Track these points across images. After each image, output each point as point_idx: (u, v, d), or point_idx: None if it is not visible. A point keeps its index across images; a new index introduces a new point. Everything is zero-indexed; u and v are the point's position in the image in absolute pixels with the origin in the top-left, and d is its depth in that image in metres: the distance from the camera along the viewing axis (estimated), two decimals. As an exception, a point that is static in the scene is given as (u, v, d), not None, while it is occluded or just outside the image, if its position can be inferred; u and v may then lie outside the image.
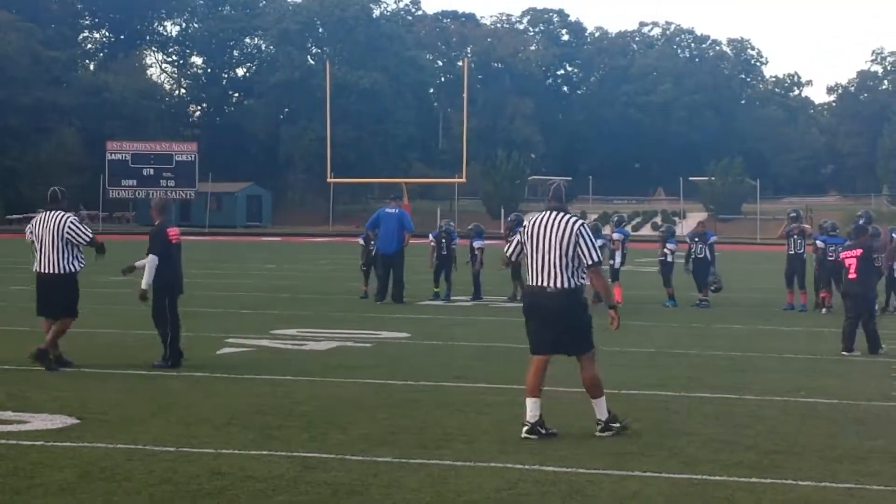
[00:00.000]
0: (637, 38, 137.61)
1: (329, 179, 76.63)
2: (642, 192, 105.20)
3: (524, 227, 10.56)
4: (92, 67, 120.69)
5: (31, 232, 14.46)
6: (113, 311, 21.96)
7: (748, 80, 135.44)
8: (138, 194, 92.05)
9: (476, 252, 26.61)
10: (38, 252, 14.29)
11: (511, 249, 10.79)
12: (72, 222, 14.30)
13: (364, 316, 21.80)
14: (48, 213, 14.47)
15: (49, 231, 14.23)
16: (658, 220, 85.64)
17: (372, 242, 25.93)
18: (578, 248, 10.17)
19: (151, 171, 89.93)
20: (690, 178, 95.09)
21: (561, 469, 8.84)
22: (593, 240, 10.35)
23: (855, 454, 9.61)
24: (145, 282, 14.40)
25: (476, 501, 7.87)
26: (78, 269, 14.45)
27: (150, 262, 14.42)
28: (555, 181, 10.77)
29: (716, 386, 13.29)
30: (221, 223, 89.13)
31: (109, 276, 32.95)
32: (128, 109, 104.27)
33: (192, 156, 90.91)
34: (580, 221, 10.31)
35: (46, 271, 14.20)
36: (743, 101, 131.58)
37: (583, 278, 10.42)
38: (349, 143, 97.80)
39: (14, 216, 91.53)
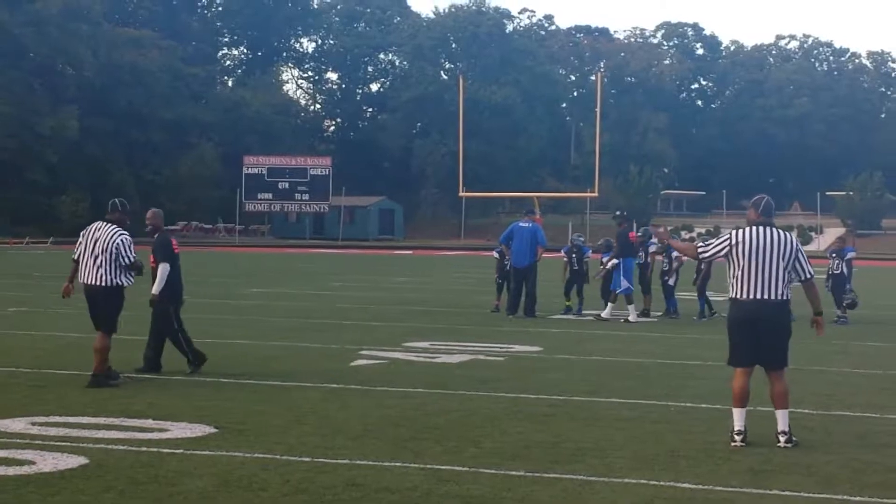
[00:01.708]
0: (773, 52, 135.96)
1: (461, 193, 76.92)
2: (778, 206, 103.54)
3: (736, 241, 10.74)
4: (230, 84, 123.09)
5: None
6: (246, 322, 22.28)
7: (888, 93, 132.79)
8: (274, 208, 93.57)
9: (608, 266, 26.46)
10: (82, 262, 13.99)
11: (710, 253, 11.09)
12: (122, 240, 13.88)
13: (496, 329, 21.82)
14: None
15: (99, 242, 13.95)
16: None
17: (506, 256, 25.97)
18: (797, 263, 10.71)
19: (287, 185, 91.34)
20: (828, 193, 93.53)
21: (697, 486, 8.74)
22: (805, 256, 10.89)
23: None
24: (157, 288, 14.63)
25: (610, 517, 7.83)
26: (124, 283, 13.95)
27: (162, 270, 14.66)
28: (763, 196, 11.09)
29: (855, 404, 13.03)
30: (354, 236, 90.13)
31: (251, 287, 33.55)
32: (264, 124, 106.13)
33: (327, 170, 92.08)
34: (796, 238, 10.87)
35: (90, 283, 13.90)
36: (883, 115, 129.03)
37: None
38: (481, 157, 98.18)
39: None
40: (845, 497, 8.51)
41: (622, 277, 24.67)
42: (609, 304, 24.75)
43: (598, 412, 12.29)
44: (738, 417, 10.52)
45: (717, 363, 16.39)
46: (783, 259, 10.59)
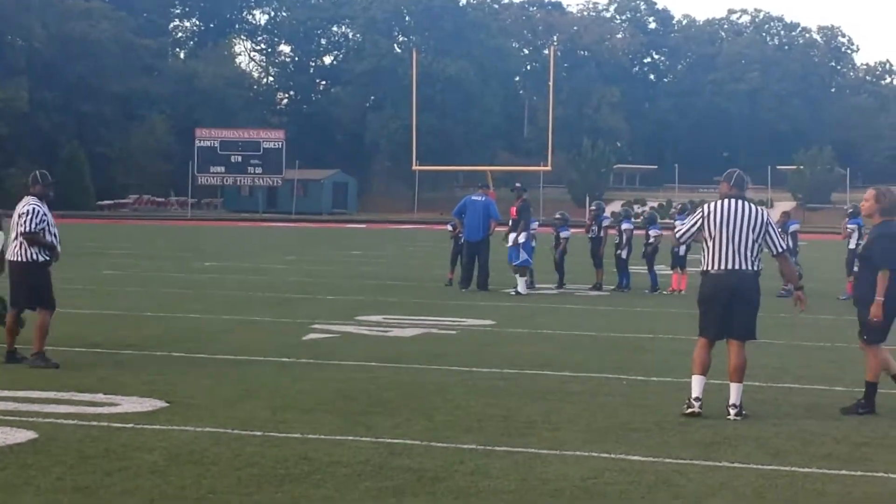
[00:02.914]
0: (725, 26, 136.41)
1: (414, 167, 76.69)
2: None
3: (707, 213, 10.82)
4: (182, 56, 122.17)
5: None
6: (198, 295, 22.18)
7: (838, 67, 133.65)
8: (226, 181, 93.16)
9: (562, 240, 26.51)
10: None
11: (685, 233, 11.11)
12: (27, 209, 13.17)
13: (449, 303, 21.83)
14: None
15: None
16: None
17: (459, 230, 25.95)
18: (768, 237, 10.79)
19: (239, 158, 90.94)
20: (778, 167, 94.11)
21: (647, 459, 8.79)
22: (777, 229, 10.97)
23: (948, 448, 9.46)
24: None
25: (561, 490, 7.85)
26: (38, 258, 13.20)
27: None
28: (734, 170, 11.15)
29: (804, 377, 13.14)
30: (308, 210, 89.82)
31: (203, 261, 33.40)
32: (217, 97, 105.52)
33: (280, 143, 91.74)
34: (767, 211, 10.98)
35: (11, 259, 13.33)
36: (833, 90, 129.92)
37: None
38: (434, 131, 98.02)
39: (105, 202, 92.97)
40: (794, 468, 8.58)
41: (521, 250, 24.58)
42: (520, 277, 24.61)
43: (550, 385, 12.33)
44: (697, 384, 10.57)
45: (668, 336, 16.52)
46: (753, 231, 10.65)
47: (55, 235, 13.31)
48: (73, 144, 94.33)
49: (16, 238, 13.21)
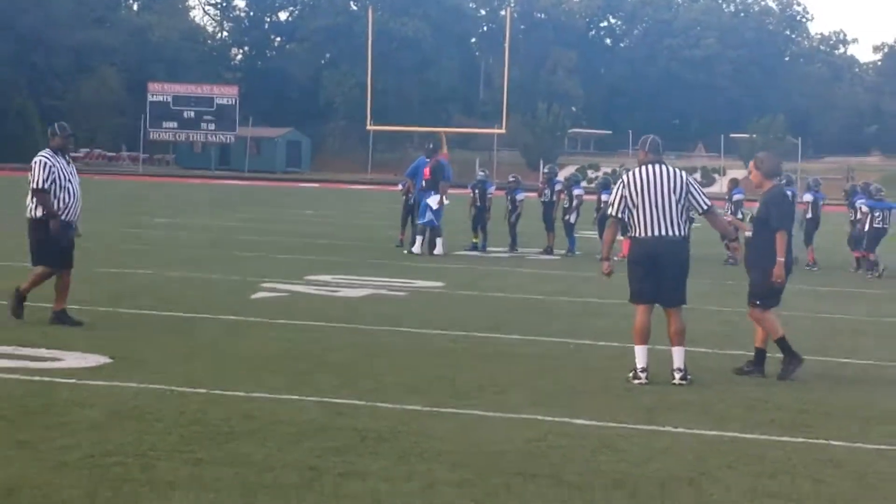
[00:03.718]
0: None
1: (369, 127, 76.11)
2: (683, 147, 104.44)
3: (627, 181, 10.81)
4: (135, 8, 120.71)
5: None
6: (148, 252, 22.02)
7: (793, 36, 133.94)
8: (179, 137, 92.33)
9: (517, 203, 26.47)
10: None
11: (616, 206, 10.89)
12: (35, 161, 12.90)
13: (400, 265, 21.79)
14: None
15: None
16: (698, 175, 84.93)
17: (410, 191, 25.79)
18: (691, 196, 10.80)
19: (192, 114, 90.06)
20: (731, 135, 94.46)
21: (591, 423, 8.81)
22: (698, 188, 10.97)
23: (887, 415, 9.54)
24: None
25: (505, 452, 7.85)
26: (37, 215, 12.82)
27: None
28: (648, 136, 11.18)
29: (750, 344, 13.14)
30: (261, 168, 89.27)
31: (154, 217, 33.15)
32: (170, 51, 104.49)
33: (233, 99, 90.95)
34: (685, 173, 11.00)
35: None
36: (787, 58, 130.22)
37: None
38: (390, 90, 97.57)
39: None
40: (736, 434, 8.63)
41: (429, 210, 24.43)
42: (418, 237, 24.50)
43: (499, 348, 12.35)
44: (641, 355, 10.60)
45: (617, 301, 16.53)
46: (674, 193, 10.67)
47: (69, 190, 12.76)
48: (23, 96, 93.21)
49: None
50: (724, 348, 12.76)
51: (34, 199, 12.72)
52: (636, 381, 10.48)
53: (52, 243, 12.73)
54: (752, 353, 11.46)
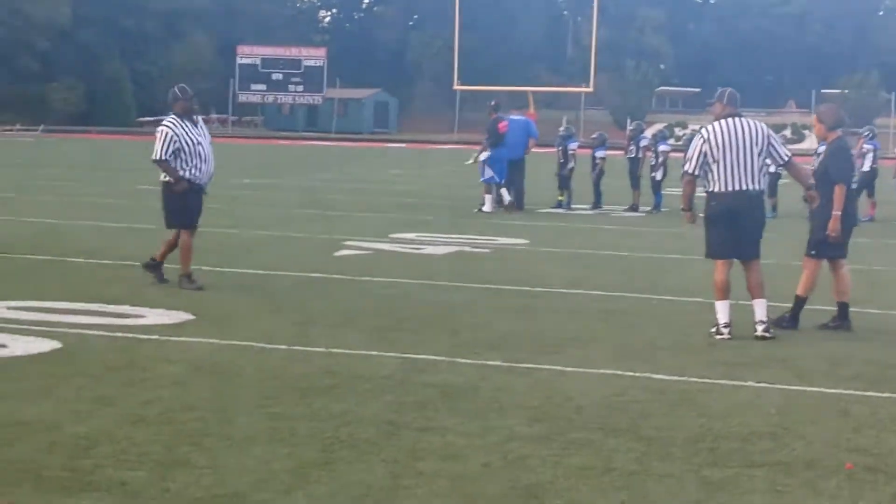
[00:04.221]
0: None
1: (455, 87, 76.44)
2: (774, 104, 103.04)
3: (708, 135, 10.61)
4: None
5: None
6: (234, 211, 22.16)
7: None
8: (267, 99, 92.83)
9: (598, 161, 26.27)
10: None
11: (695, 164, 10.68)
12: (158, 130, 12.77)
13: (484, 222, 21.72)
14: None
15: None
16: (787, 132, 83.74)
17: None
18: (772, 149, 10.63)
19: (280, 76, 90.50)
20: (823, 91, 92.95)
21: (672, 378, 8.70)
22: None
23: (979, 372, 9.33)
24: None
25: (584, 407, 7.77)
26: (166, 178, 12.64)
27: None
28: (725, 88, 11.07)
29: (832, 300, 12.93)
30: (348, 129, 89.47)
31: (242, 178, 33.39)
32: (258, 14, 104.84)
33: (321, 61, 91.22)
34: (764, 125, 10.84)
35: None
36: (881, 13, 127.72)
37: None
38: (476, 50, 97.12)
39: (146, 118, 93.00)
40: (820, 389, 8.48)
41: (486, 167, 24.31)
42: (486, 194, 24.40)
43: (580, 304, 12.26)
44: (723, 310, 10.45)
45: (699, 257, 16.31)
46: (756, 146, 10.51)
47: (200, 154, 12.52)
48: (115, 61, 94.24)
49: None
50: (810, 303, 12.49)
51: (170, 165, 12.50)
52: (719, 337, 10.33)
53: (182, 205, 12.53)
54: (835, 309, 11.27)
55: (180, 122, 12.54)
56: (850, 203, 11.10)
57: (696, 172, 10.73)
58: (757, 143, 10.53)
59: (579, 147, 27.58)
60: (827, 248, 11.13)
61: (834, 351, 9.92)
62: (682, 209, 11.30)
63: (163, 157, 12.44)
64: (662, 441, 6.99)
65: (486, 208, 24.04)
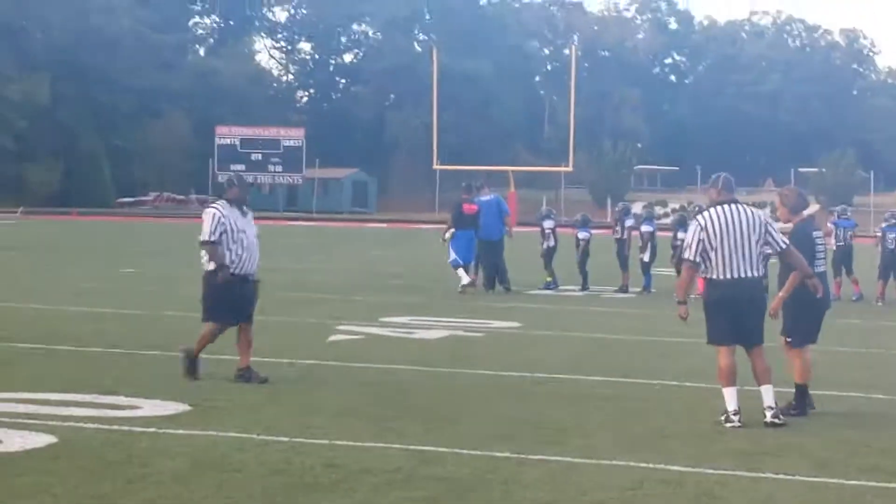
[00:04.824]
0: (746, 28, 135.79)
1: (435, 166, 76.43)
2: (752, 182, 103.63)
3: (705, 223, 10.46)
4: (202, 53, 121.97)
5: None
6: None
7: (860, 70, 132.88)
8: (247, 179, 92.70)
9: (581, 241, 26.16)
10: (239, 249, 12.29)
11: (694, 251, 10.51)
12: (205, 212, 12.48)
13: (473, 305, 21.51)
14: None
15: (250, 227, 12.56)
16: (768, 210, 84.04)
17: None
18: (769, 236, 10.50)
19: (260, 156, 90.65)
20: (800, 170, 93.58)
21: (687, 469, 8.47)
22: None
23: None
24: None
25: (601, 501, 7.54)
26: (209, 267, 12.36)
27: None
28: (719, 174, 10.85)
29: (841, 383, 12.77)
30: (328, 209, 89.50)
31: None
32: (237, 95, 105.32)
33: (300, 141, 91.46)
34: (761, 212, 10.76)
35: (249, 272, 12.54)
36: (854, 92, 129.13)
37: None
38: (455, 129, 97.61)
39: (125, 199, 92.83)
40: (841, 481, 8.26)
41: (450, 248, 24.36)
42: (459, 272, 24.31)
43: (581, 390, 12.05)
44: (731, 397, 10.25)
45: (698, 340, 16.08)
46: (755, 232, 10.37)
47: (242, 243, 12.23)
48: (92, 138, 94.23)
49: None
50: (814, 389, 12.26)
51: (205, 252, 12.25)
52: (729, 425, 10.10)
53: (223, 298, 12.16)
54: (843, 394, 11.12)
55: (228, 208, 12.30)
56: (826, 290, 10.97)
57: (697, 259, 10.57)
58: (755, 231, 10.40)
59: (563, 226, 27.49)
60: (798, 332, 10.93)
61: (847, 439, 9.70)
62: (678, 301, 11.11)
63: (212, 239, 12.10)
64: (687, 539, 6.75)
65: (464, 282, 23.93)
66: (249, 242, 12.35)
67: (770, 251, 10.74)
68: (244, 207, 12.47)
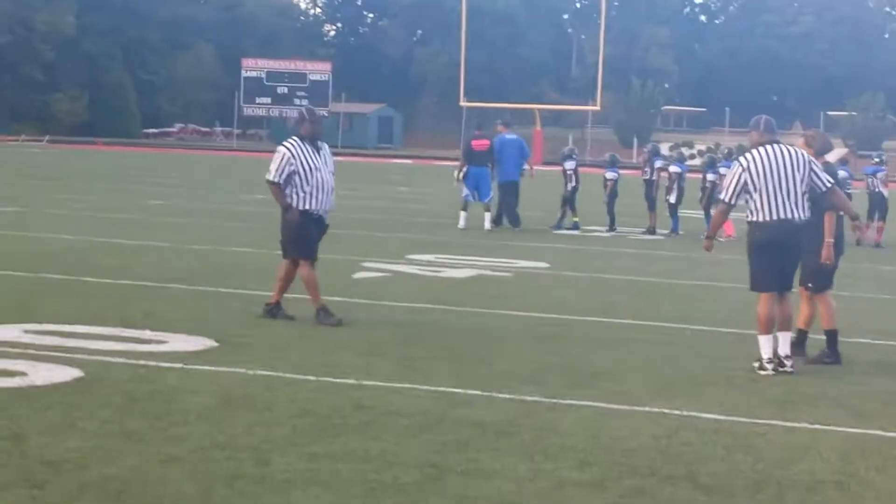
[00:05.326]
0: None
1: (461, 103, 76.13)
2: (780, 125, 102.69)
3: (747, 164, 10.25)
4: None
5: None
6: (246, 229, 21.80)
7: (893, 13, 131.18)
8: (272, 112, 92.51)
9: (608, 181, 25.90)
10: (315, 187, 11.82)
11: (733, 192, 10.33)
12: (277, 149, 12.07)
13: (501, 244, 21.35)
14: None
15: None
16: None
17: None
18: (813, 175, 10.27)
19: (286, 90, 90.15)
20: (829, 113, 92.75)
21: (722, 417, 8.31)
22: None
23: None
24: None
25: (634, 449, 7.39)
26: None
27: None
28: (760, 116, 10.65)
29: (877, 331, 12.59)
30: (353, 144, 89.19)
31: (251, 193, 33.01)
32: (263, 27, 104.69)
33: (326, 75, 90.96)
34: (805, 151, 10.47)
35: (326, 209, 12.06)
36: (886, 36, 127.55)
37: None
38: (482, 66, 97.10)
39: (151, 130, 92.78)
40: (880, 432, 8.09)
41: (464, 185, 24.56)
42: (461, 212, 24.46)
43: (612, 333, 11.89)
44: (767, 344, 10.08)
45: (728, 284, 15.96)
46: (799, 172, 10.16)
47: (318, 181, 11.74)
48: (119, 70, 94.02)
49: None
50: (848, 336, 12.07)
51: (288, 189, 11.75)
52: (763, 372, 9.95)
53: (298, 235, 11.77)
54: (876, 342, 10.92)
55: (300, 145, 11.79)
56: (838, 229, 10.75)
57: (733, 202, 10.41)
58: (799, 170, 10.17)
59: (589, 166, 27.24)
60: (822, 277, 10.72)
61: (885, 389, 9.54)
62: (706, 236, 10.96)
63: (275, 180, 11.70)
64: (723, 490, 6.61)
65: (460, 225, 23.98)
66: (324, 180, 11.85)
67: (817, 190, 10.41)
68: (318, 142, 11.99)
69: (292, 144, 11.83)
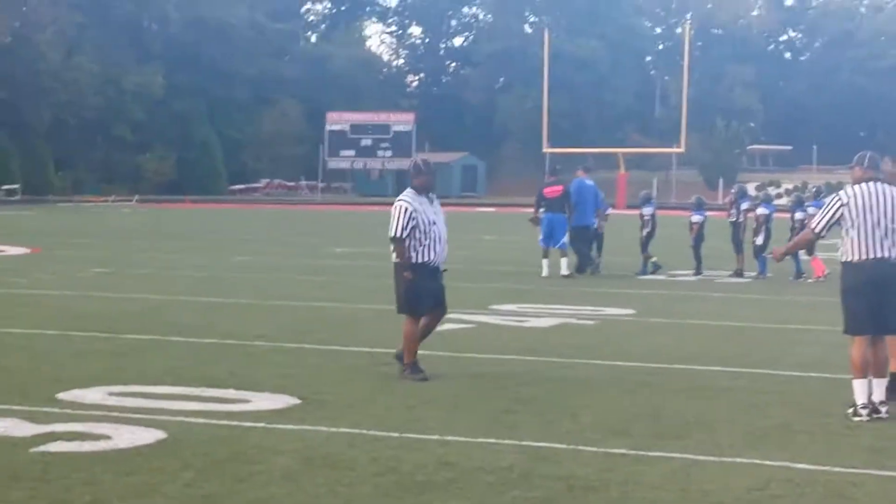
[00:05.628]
0: (865, 2, 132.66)
1: (545, 149, 76.04)
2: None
3: (847, 200, 10.05)
4: (314, 39, 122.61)
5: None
6: (330, 283, 21.82)
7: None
8: (356, 164, 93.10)
9: (694, 225, 25.61)
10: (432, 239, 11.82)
11: (824, 225, 10.18)
12: (394, 206, 11.96)
13: (585, 291, 21.16)
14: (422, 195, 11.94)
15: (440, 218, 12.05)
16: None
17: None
18: None
19: (370, 142, 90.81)
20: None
21: (815, 467, 8.08)
22: None
23: None
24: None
25: (724, 503, 7.19)
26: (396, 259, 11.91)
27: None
28: (865, 152, 10.44)
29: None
30: (437, 193, 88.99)
31: (335, 246, 33.14)
32: (347, 80, 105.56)
33: (410, 126, 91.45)
34: None
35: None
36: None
37: None
38: (565, 112, 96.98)
39: (237, 186, 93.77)
40: (981, 482, 7.83)
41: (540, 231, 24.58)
42: (543, 260, 24.38)
43: (700, 381, 11.66)
44: (861, 389, 9.81)
45: (820, 327, 15.65)
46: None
47: (434, 234, 11.74)
48: (206, 128, 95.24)
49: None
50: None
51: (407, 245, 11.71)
52: (857, 419, 9.68)
53: (416, 291, 11.70)
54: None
55: (417, 198, 11.77)
56: None
57: (823, 234, 10.26)
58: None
59: (676, 209, 26.99)
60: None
61: (985, 435, 9.24)
62: (782, 252, 11.11)
63: (401, 235, 11.63)
64: (818, 545, 6.40)
65: (543, 273, 23.94)
66: (440, 233, 11.85)
67: None
68: (430, 195, 11.97)
69: (410, 197, 11.78)
